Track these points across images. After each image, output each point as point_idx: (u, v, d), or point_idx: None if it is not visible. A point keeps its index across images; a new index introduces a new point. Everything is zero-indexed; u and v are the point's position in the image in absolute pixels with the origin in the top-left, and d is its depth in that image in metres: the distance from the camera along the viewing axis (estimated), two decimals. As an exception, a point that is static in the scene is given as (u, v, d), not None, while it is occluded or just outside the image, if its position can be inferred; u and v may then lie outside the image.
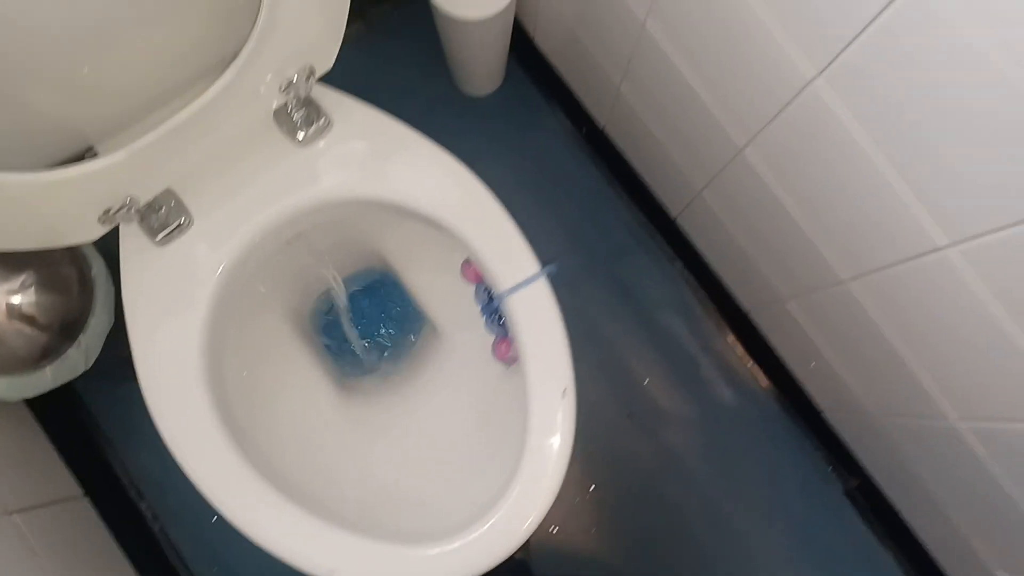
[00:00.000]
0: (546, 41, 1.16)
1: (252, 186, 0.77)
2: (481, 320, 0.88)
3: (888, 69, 0.54)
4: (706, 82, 0.78)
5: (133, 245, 0.75)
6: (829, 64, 0.59)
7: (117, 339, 0.82)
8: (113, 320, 0.96)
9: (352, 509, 0.79)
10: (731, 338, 1.19)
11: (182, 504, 1.13)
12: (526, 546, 1.07)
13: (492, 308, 0.86)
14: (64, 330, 0.90)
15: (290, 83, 0.73)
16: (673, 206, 1.11)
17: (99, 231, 0.71)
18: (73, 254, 0.94)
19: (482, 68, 1.18)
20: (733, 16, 0.66)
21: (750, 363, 1.19)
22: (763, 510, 1.17)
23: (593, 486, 1.16)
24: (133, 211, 0.72)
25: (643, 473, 1.17)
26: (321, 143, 0.79)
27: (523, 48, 1.21)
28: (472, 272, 0.88)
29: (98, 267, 0.96)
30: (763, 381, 1.18)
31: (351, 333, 0.97)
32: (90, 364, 0.94)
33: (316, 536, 0.72)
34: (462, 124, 1.24)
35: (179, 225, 0.76)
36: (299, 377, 0.95)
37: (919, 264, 0.65)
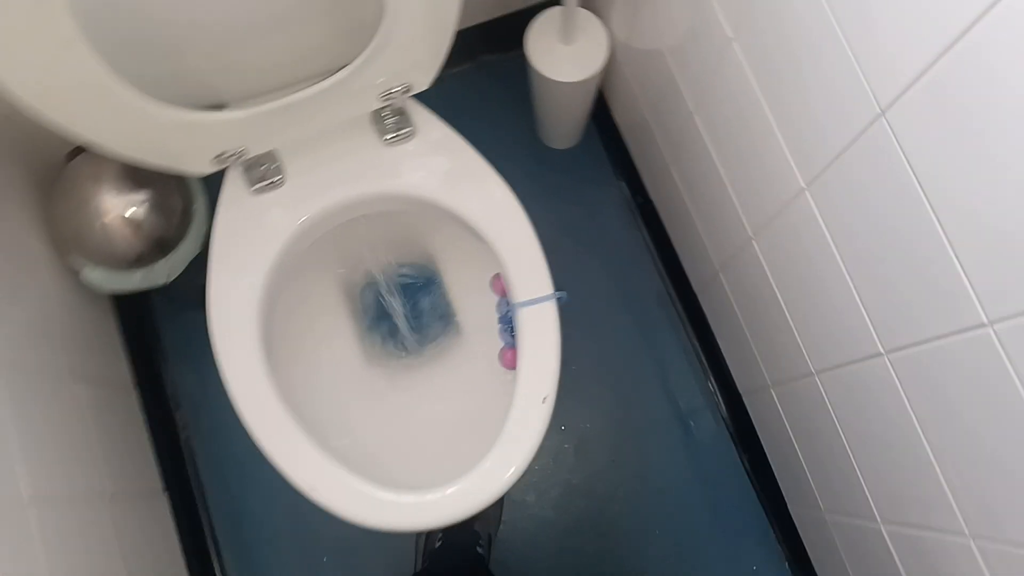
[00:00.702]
0: (621, 115, 1.30)
1: (339, 166, 0.93)
2: (497, 329, 1.01)
3: (849, 197, 0.65)
4: (729, 172, 0.90)
5: (233, 188, 0.93)
6: (815, 178, 0.71)
7: (198, 270, 0.98)
8: (199, 251, 1.13)
9: (352, 452, 0.92)
10: (725, 415, 1.28)
11: (211, 425, 1.29)
12: (488, 545, 1.18)
13: (508, 320, 0.99)
14: (159, 246, 1.08)
15: (390, 93, 0.89)
16: (696, 281, 1.22)
17: (210, 168, 0.88)
18: (184, 189, 1.12)
19: (563, 125, 1.33)
20: (752, 116, 0.78)
21: (735, 445, 1.27)
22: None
23: (553, 512, 1.26)
24: (240, 160, 0.89)
25: (611, 512, 1.26)
26: (402, 147, 0.95)
27: (602, 116, 1.36)
28: (499, 286, 1.01)
29: (200, 204, 1.13)
30: (745, 465, 1.26)
31: (394, 311, 1.11)
32: (170, 279, 1.11)
33: (311, 461, 0.85)
34: (532, 167, 1.39)
35: (273, 182, 0.93)
36: (336, 338, 1.10)
37: (862, 366, 0.75)
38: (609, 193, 1.39)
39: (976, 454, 0.62)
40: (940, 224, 0.55)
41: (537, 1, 1.15)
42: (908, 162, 0.56)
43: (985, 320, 0.54)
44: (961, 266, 0.55)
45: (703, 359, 1.30)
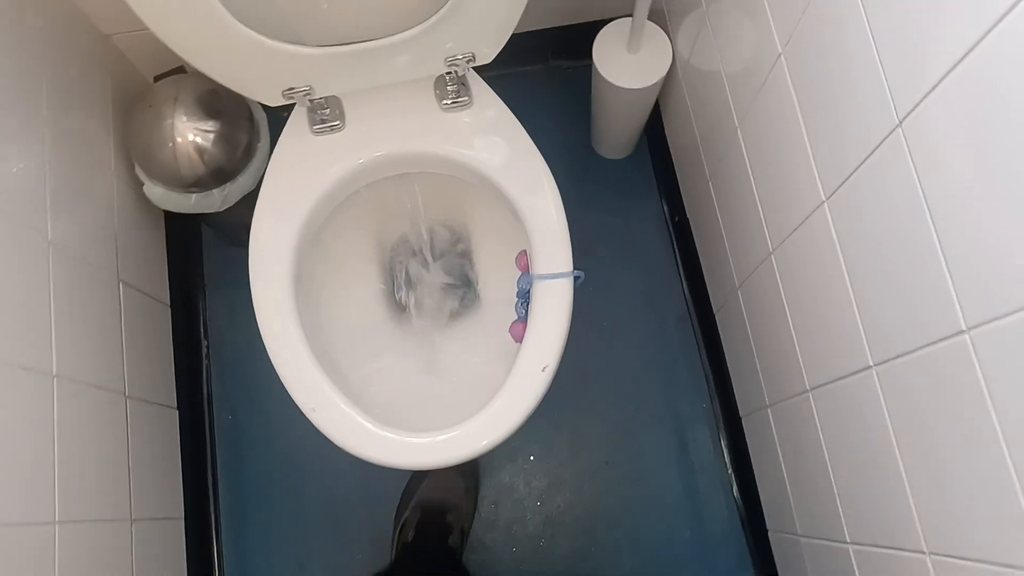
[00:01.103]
0: (673, 134, 1.35)
1: (396, 121, 1.00)
2: (514, 303, 1.05)
3: (862, 209, 0.68)
4: (760, 186, 0.94)
5: (296, 125, 1.00)
6: (834, 191, 0.74)
7: (248, 207, 1.04)
8: (253, 188, 1.21)
9: (357, 389, 0.97)
10: (723, 437, 1.29)
11: (231, 358, 1.36)
12: (462, 539, 1.20)
13: (525, 295, 1.03)
14: (218, 175, 1.15)
15: (455, 60, 0.95)
16: (716, 300, 1.25)
17: (279, 100, 0.95)
18: (251, 128, 1.19)
19: (617, 134, 1.38)
20: (786, 129, 0.82)
21: (729, 470, 1.29)
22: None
23: (540, 502, 1.29)
24: (307, 99, 0.96)
25: (595, 511, 1.28)
26: (458, 114, 1.00)
27: (656, 133, 1.41)
28: (523, 262, 1.05)
29: (263, 144, 1.21)
30: (734, 487, 1.27)
31: (421, 272, 1.17)
32: (223, 208, 1.18)
33: (317, 385, 0.90)
34: (579, 171, 1.44)
35: (333, 126, 0.99)
36: (361, 285, 1.16)
37: (852, 381, 0.77)
38: (649, 208, 1.43)
39: (940, 466, 0.64)
40: (940, 241, 0.58)
41: (611, 15, 1.21)
42: (917, 174, 0.59)
43: (963, 327, 0.57)
44: (951, 276, 0.57)
45: (711, 381, 1.32)
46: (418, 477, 1.24)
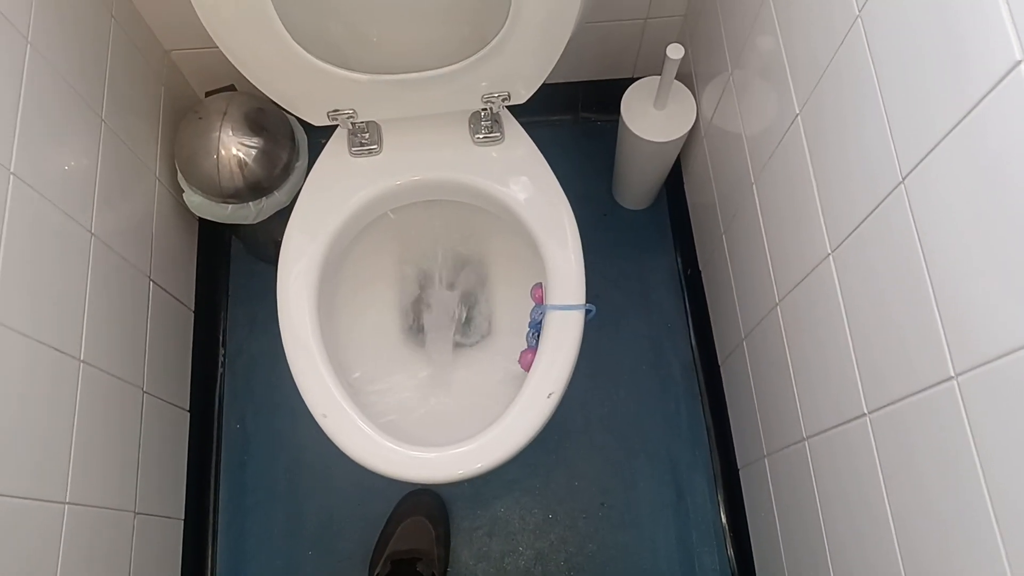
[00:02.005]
0: (692, 190, 1.40)
1: (429, 150, 1.06)
2: (524, 332, 1.09)
3: (864, 262, 0.72)
4: (771, 238, 0.98)
5: (336, 145, 1.06)
6: (840, 244, 0.78)
7: (280, 222, 1.09)
8: (287, 204, 1.26)
9: (366, 401, 1.00)
10: (720, 490, 1.31)
11: (246, 368, 1.39)
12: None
13: (537, 326, 1.07)
14: (255, 188, 1.21)
15: (491, 97, 1.01)
16: (722, 352, 1.28)
17: (323, 120, 1.01)
18: (291, 147, 1.25)
19: (638, 185, 1.43)
20: (799, 184, 0.86)
21: (724, 523, 1.29)
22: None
23: (533, 537, 1.30)
24: (349, 121, 1.01)
25: (586, 552, 1.29)
26: (488, 149, 1.06)
27: (675, 188, 1.46)
28: (538, 294, 1.09)
29: (301, 164, 1.27)
30: (727, 541, 1.28)
31: (439, 299, 1.21)
32: (256, 220, 1.23)
33: (330, 393, 0.94)
34: (599, 218, 1.50)
35: (371, 149, 1.05)
36: (380, 305, 1.20)
37: (847, 428, 0.80)
38: (663, 258, 1.47)
39: (926, 510, 0.66)
40: (934, 290, 0.62)
41: (640, 74, 1.28)
42: (916, 226, 0.63)
43: (952, 373, 0.60)
44: (942, 324, 0.61)
45: (712, 432, 1.34)
46: (390, 527, 1.25)
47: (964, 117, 0.55)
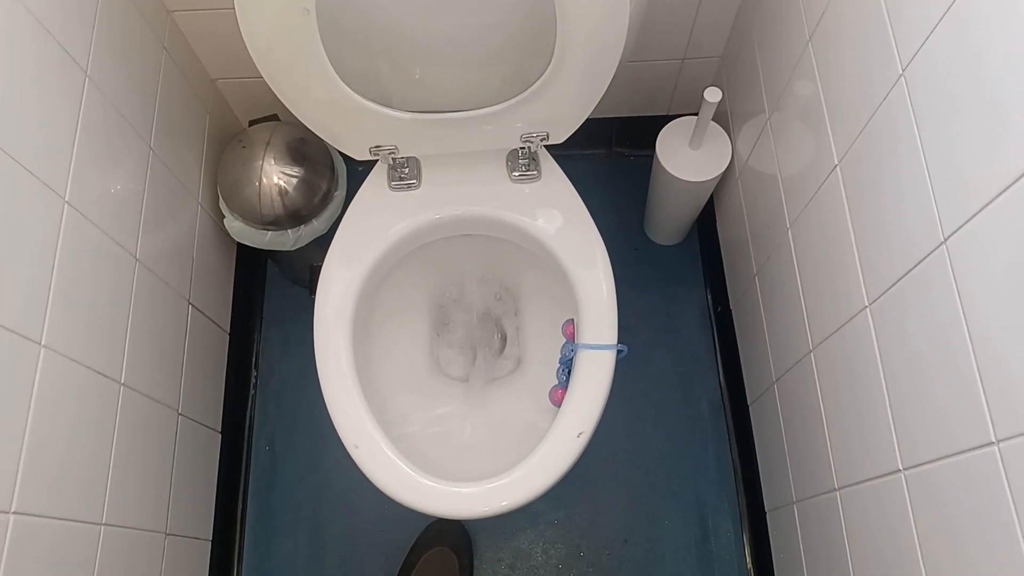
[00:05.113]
0: (725, 228, 1.40)
1: (466, 186, 1.07)
2: (555, 368, 1.10)
3: (903, 318, 0.72)
4: (807, 286, 0.98)
5: (377, 178, 1.08)
6: (878, 298, 0.78)
7: (317, 251, 1.11)
8: (325, 232, 1.28)
9: (397, 433, 1.01)
10: (746, 531, 1.30)
11: (278, 392, 1.41)
12: None
13: (568, 363, 1.08)
14: (295, 216, 1.23)
15: (530, 137, 1.02)
16: (752, 392, 1.27)
17: (365, 156, 1.03)
18: (331, 178, 1.28)
19: (670, 221, 1.44)
20: (837, 233, 0.86)
21: (749, 565, 1.28)
22: None
23: (556, 571, 1.29)
24: (390, 157, 1.03)
25: (609, 591, 1.29)
26: (524, 186, 1.08)
27: (707, 225, 1.46)
28: (569, 330, 1.10)
29: (340, 194, 1.29)
30: (751, 585, 1.27)
31: (468, 329, 1.22)
32: (294, 247, 1.26)
33: (363, 424, 0.95)
34: (630, 253, 1.50)
35: (410, 184, 1.07)
36: (414, 339, 1.21)
37: (881, 483, 0.80)
38: (693, 295, 1.47)
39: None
40: (975, 354, 0.62)
41: (676, 112, 1.29)
42: (958, 288, 0.63)
43: (993, 439, 0.60)
44: (983, 389, 0.61)
45: (739, 472, 1.33)
46: (413, 555, 1.25)
47: (1009, 186, 0.55)
